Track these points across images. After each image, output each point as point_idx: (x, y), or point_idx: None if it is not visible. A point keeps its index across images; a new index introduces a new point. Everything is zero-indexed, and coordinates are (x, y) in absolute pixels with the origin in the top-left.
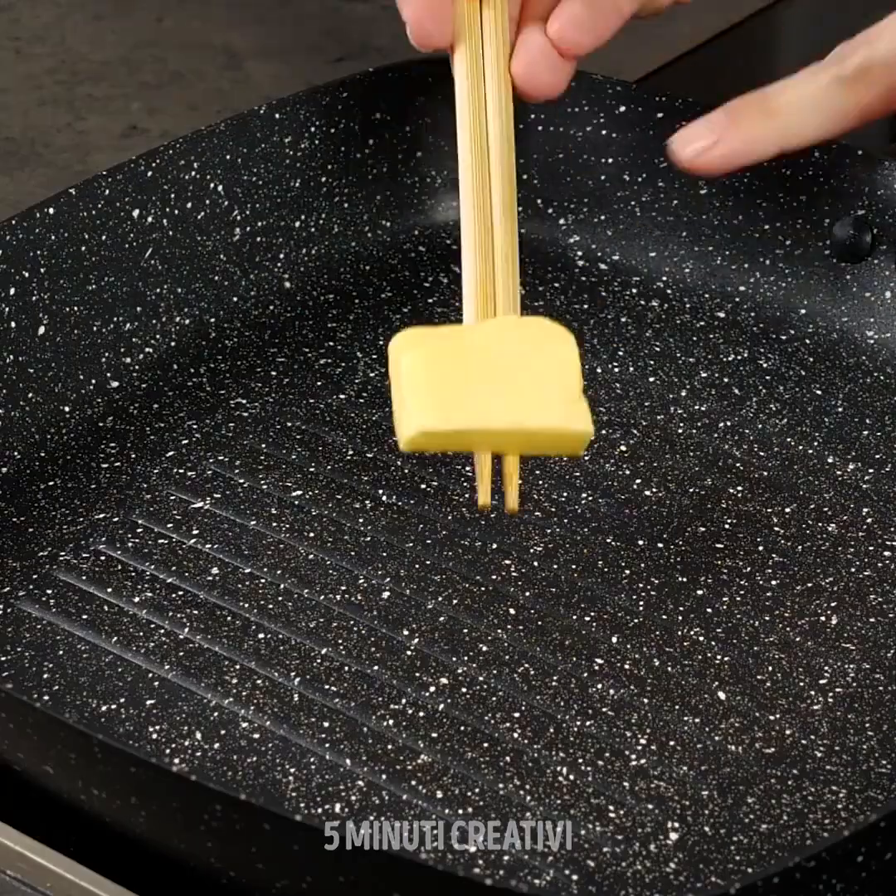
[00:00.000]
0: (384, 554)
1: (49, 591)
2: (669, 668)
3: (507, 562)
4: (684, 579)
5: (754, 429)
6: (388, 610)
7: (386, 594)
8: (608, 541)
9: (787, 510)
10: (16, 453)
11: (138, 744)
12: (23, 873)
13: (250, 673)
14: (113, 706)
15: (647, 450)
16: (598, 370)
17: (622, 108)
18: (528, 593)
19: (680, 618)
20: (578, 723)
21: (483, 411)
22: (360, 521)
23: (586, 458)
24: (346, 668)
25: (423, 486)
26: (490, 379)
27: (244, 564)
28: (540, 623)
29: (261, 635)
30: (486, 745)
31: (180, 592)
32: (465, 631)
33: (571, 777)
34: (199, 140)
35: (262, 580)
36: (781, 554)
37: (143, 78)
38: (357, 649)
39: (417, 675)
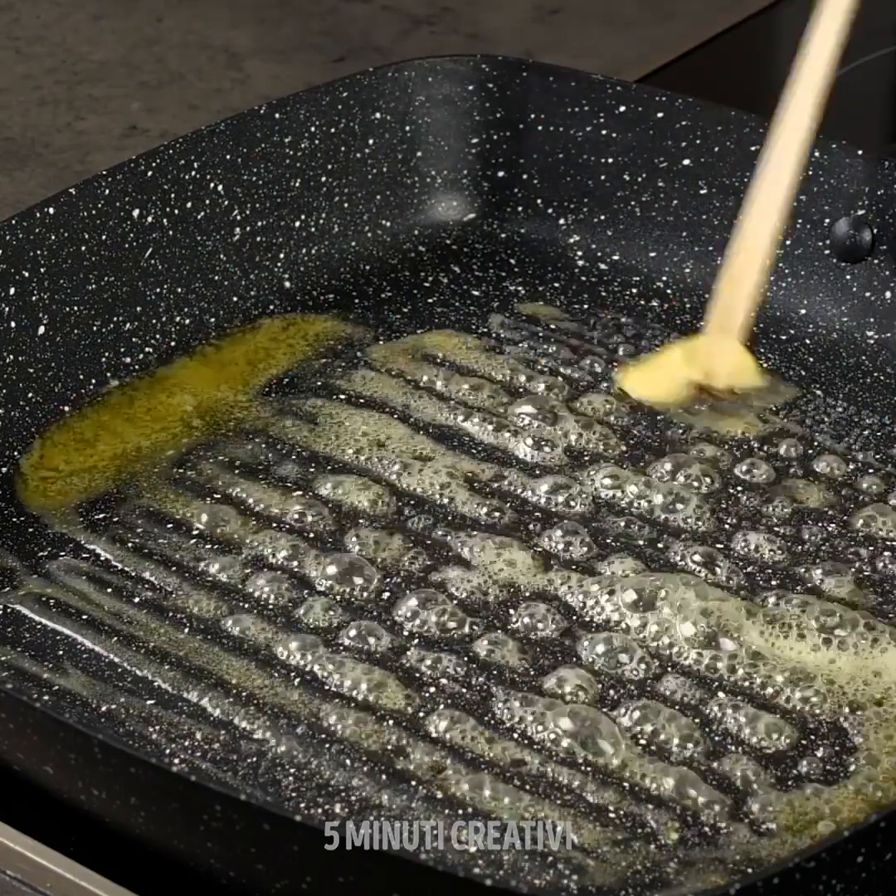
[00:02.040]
0: (385, 554)
1: (49, 591)
2: (669, 668)
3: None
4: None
5: (754, 428)
6: (388, 609)
7: (386, 594)
8: (608, 541)
9: (787, 510)
10: (16, 453)
11: (138, 744)
12: (23, 873)
13: (250, 673)
14: (113, 706)
15: (647, 450)
16: (598, 370)
17: (622, 108)
18: (528, 592)
19: (680, 616)
20: (578, 722)
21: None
22: (361, 520)
23: (586, 458)
24: (346, 668)
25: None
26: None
27: (244, 564)
28: (539, 623)
29: (261, 635)
30: (485, 744)
31: (180, 592)
32: (465, 630)
33: (571, 777)
34: (199, 140)
35: (263, 580)
36: (781, 553)
37: (143, 78)
38: (357, 649)
39: (417, 674)
